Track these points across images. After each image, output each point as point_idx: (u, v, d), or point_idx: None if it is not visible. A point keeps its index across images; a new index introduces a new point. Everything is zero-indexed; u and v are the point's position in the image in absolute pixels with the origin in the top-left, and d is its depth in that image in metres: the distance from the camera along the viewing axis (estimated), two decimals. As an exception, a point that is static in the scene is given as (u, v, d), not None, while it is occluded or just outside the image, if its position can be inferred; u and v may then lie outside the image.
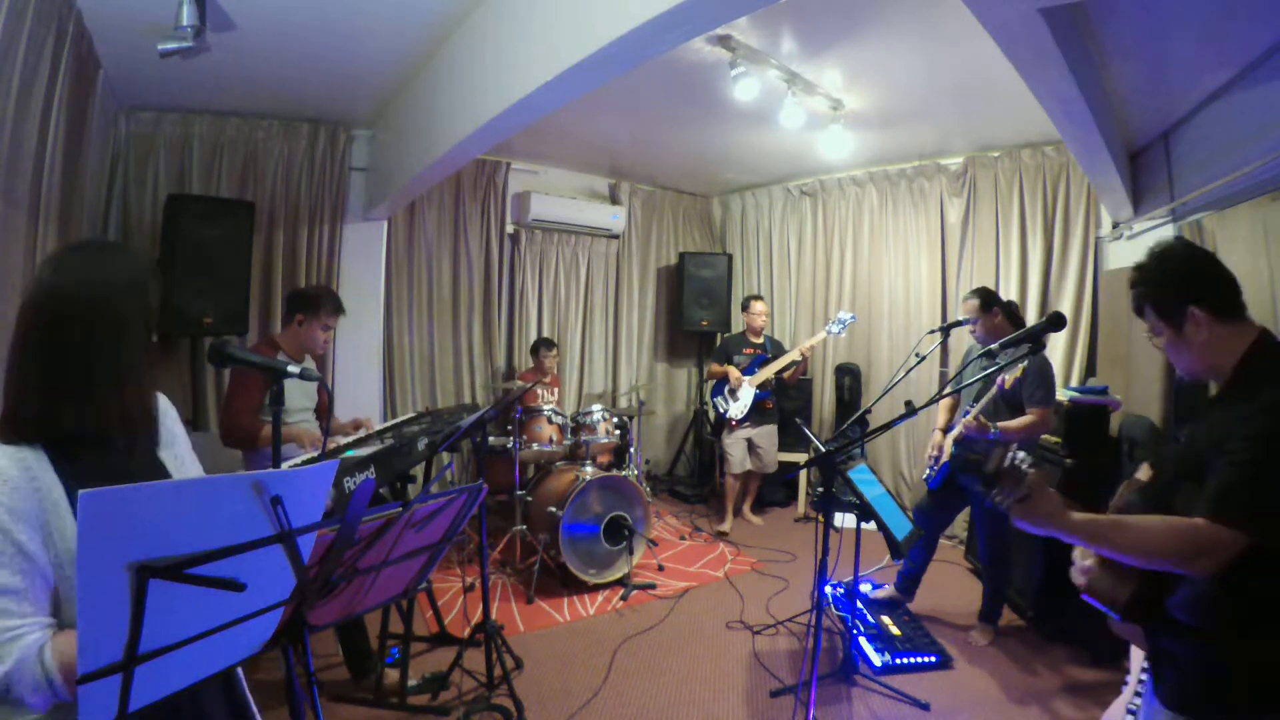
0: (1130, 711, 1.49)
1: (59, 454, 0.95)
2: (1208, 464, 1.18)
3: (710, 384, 4.84)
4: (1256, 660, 1.14)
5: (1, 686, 0.83)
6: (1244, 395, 1.19)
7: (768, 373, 4.55)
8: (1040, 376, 2.90)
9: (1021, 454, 1.20)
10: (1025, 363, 2.76)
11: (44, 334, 0.97)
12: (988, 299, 3.14)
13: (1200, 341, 1.24)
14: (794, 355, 4.52)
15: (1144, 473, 1.52)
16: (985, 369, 2.72)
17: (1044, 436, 3.28)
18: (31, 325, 0.97)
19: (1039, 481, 1.20)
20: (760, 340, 4.76)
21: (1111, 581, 1.32)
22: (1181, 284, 1.27)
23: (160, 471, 1.11)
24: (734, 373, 4.61)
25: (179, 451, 1.17)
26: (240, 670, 1.22)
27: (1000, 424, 2.88)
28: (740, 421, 4.61)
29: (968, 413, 3.01)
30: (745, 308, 4.82)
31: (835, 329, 4.37)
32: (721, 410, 4.68)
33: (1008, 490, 1.20)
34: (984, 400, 2.92)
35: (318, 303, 2.72)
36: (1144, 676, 1.43)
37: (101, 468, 0.99)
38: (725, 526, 4.75)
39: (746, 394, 4.56)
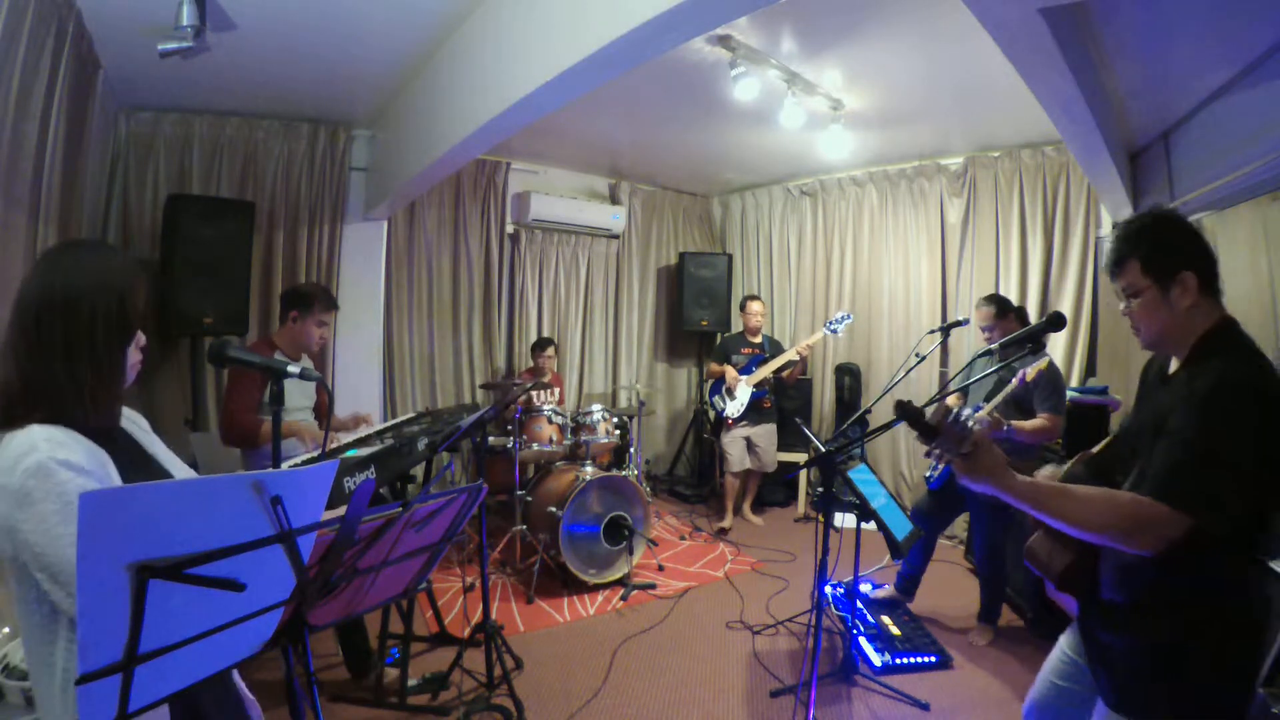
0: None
1: (108, 446, 1.01)
2: (1154, 442, 1.18)
3: (709, 383, 4.86)
4: (1192, 646, 1.14)
5: None
6: (1197, 374, 1.19)
7: (765, 372, 4.57)
8: (1053, 384, 2.92)
9: (966, 411, 1.21)
10: (1049, 358, 2.77)
11: (28, 330, 1.01)
12: (1003, 305, 3.15)
13: (1184, 308, 1.22)
14: (791, 355, 4.54)
15: (1100, 447, 1.52)
16: (988, 369, 2.72)
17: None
18: (17, 321, 1.02)
19: (983, 438, 1.19)
20: (758, 340, 4.77)
21: (1051, 549, 1.34)
22: (1181, 245, 1.25)
23: (154, 463, 1.15)
24: (730, 372, 4.63)
25: (167, 457, 1.20)
26: (236, 674, 1.22)
27: (1016, 423, 2.88)
28: (737, 420, 4.63)
29: (979, 407, 3.01)
30: (742, 308, 4.84)
31: (833, 329, 4.38)
32: (719, 409, 4.71)
33: (949, 445, 1.19)
34: (999, 397, 2.92)
35: (311, 299, 2.73)
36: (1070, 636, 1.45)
37: (130, 464, 1.05)
38: (726, 523, 4.77)
39: (743, 393, 4.58)
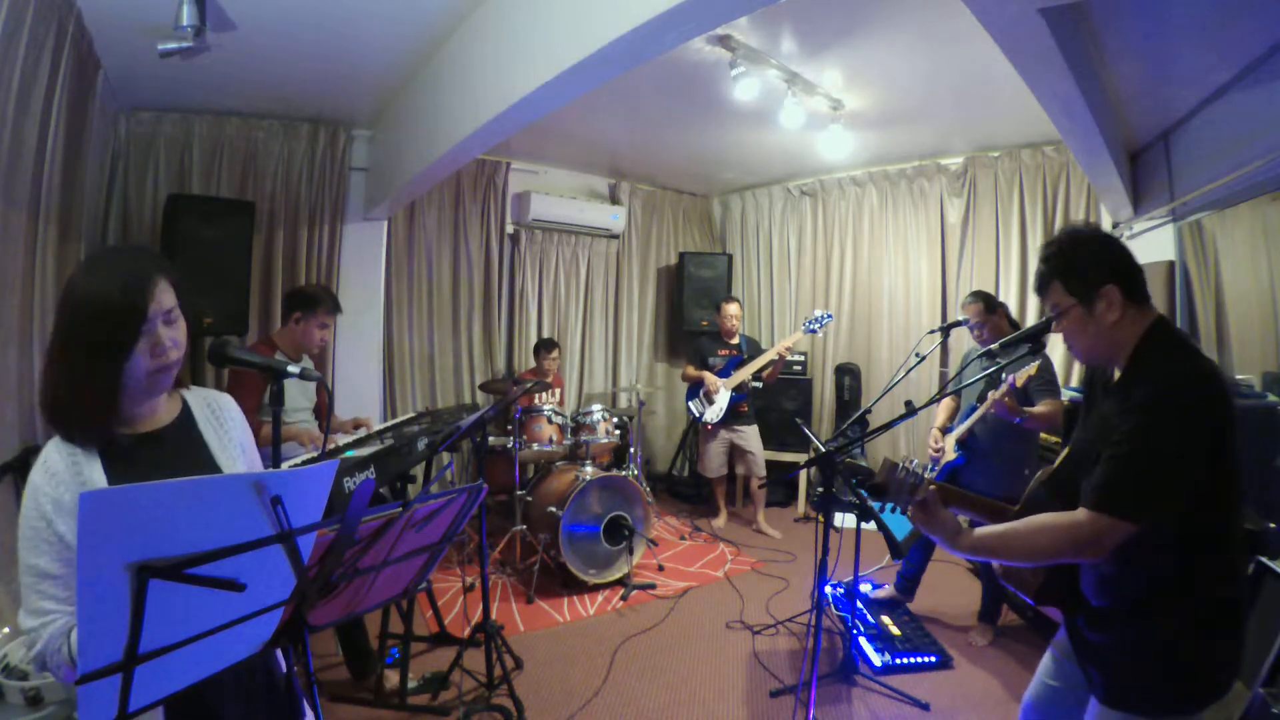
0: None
1: (111, 453, 1.03)
2: (1096, 454, 1.22)
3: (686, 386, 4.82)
4: (1178, 640, 1.17)
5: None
6: (1136, 382, 1.22)
7: (744, 374, 4.49)
8: (1044, 374, 2.93)
9: (915, 461, 1.29)
10: (1039, 361, 2.77)
11: (62, 339, 1.03)
12: (990, 301, 3.15)
13: (1111, 322, 1.25)
14: (770, 355, 4.44)
15: (1058, 461, 1.55)
16: (986, 369, 2.72)
17: (1044, 436, 3.29)
18: (55, 331, 1.04)
19: (935, 499, 1.31)
20: (735, 341, 4.70)
21: (1024, 569, 1.39)
22: (1099, 262, 1.28)
23: (210, 466, 1.15)
24: (710, 377, 4.54)
25: (233, 452, 1.21)
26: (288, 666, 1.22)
27: (1027, 409, 2.88)
28: (716, 425, 4.58)
29: (974, 408, 3.00)
30: (717, 310, 4.78)
31: (812, 328, 4.32)
32: (697, 414, 4.63)
33: (900, 496, 1.31)
34: (1001, 390, 2.91)
35: (315, 301, 2.73)
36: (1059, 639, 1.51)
37: (150, 465, 1.07)
38: (719, 521, 4.80)
39: (723, 398, 4.50)
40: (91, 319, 1.00)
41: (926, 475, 1.31)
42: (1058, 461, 1.48)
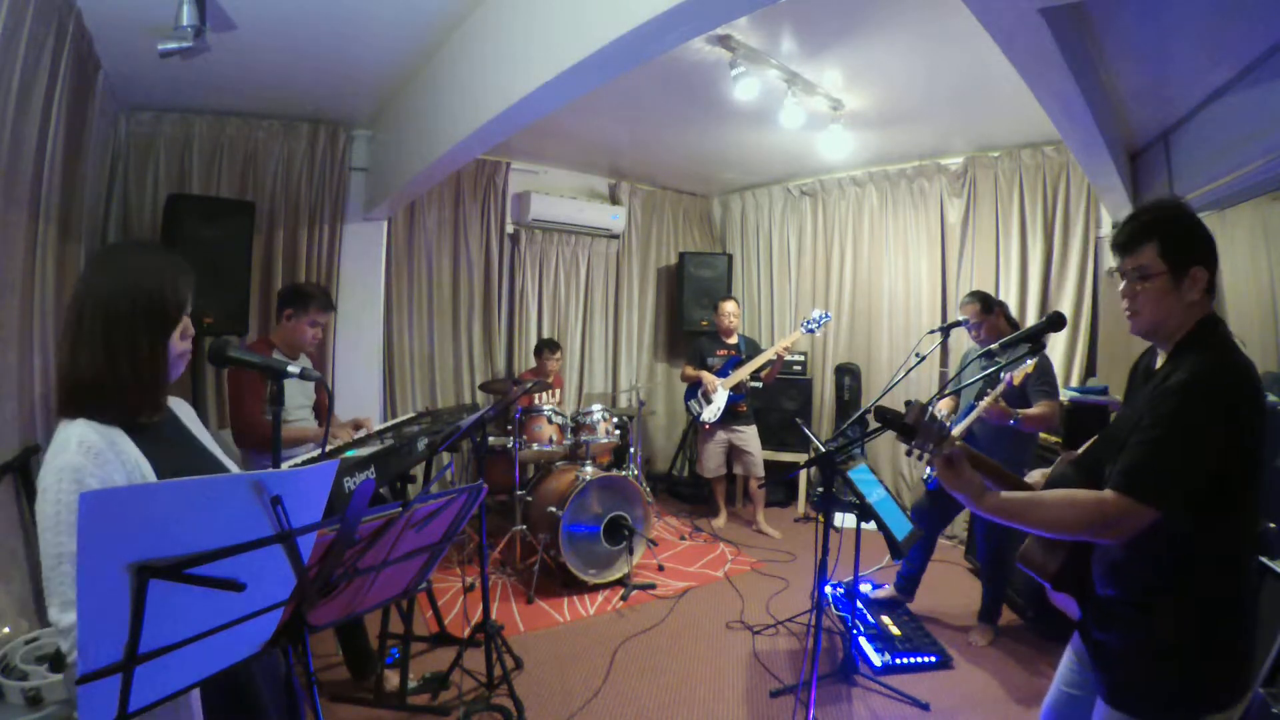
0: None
1: (135, 434, 1.06)
2: (1129, 438, 1.21)
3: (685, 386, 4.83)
4: (1182, 639, 1.16)
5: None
6: (1174, 370, 1.21)
7: (743, 374, 4.49)
8: (1043, 374, 2.93)
9: (941, 410, 1.28)
10: (1037, 359, 2.78)
11: (73, 327, 1.07)
12: (987, 301, 3.15)
13: (1189, 301, 1.24)
14: (769, 355, 4.44)
15: (1086, 445, 1.55)
16: (985, 369, 2.72)
17: (1044, 436, 3.29)
18: (67, 319, 1.08)
19: (961, 457, 1.29)
20: (733, 341, 4.70)
21: (1043, 552, 1.38)
22: (1201, 240, 1.26)
23: (209, 456, 1.22)
24: (708, 377, 4.54)
25: (217, 449, 1.28)
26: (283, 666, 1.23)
27: (1021, 411, 2.88)
28: (714, 425, 4.58)
29: (973, 406, 3.01)
30: (715, 309, 4.79)
31: (810, 328, 4.33)
32: (695, 414, 4.64)
33: (927, 443, 1.30)
34: (999, 389, 2.92)
35: (307, 298, 2.73)
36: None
37: (173, 447, 1.13)
38: (719, 521, 4.80)
39: (720, 398, 4.50)
40: (150, 299, 1.08)
41: (952, 427, 1.31)
42: (1086, 445, 1.47)
